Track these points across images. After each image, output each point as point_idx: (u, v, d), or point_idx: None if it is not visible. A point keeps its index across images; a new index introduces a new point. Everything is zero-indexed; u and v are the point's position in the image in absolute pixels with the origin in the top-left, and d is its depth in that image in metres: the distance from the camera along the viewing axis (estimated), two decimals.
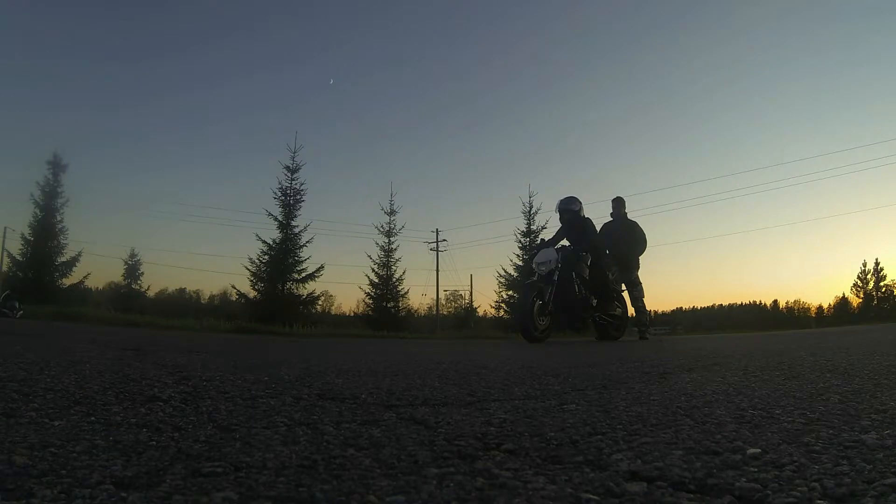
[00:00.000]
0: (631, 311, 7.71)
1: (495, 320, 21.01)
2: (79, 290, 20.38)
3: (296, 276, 16.23)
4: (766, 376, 1.79)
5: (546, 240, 7.00)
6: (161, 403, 1.16)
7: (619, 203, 8.12)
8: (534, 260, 6.58)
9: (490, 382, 1.70)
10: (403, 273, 19.37)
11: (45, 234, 19.37)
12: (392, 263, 19.05)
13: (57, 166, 20.06)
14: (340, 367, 2.04)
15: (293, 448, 0.83)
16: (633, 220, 8.03)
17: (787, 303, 77.36)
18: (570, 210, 6.82)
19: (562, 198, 6.96)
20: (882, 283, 38.56)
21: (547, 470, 0.73)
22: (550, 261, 6.27)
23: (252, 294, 15.97)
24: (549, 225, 21.80)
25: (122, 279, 25.56)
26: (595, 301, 6.58)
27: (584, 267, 6.54)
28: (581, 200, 6.96)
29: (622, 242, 7.67)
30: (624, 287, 7.59)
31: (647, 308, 8.01)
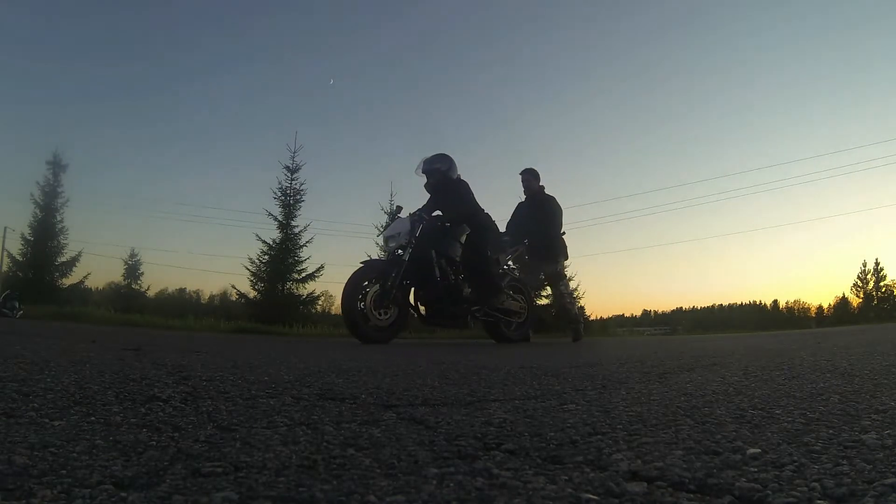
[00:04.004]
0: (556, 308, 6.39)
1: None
2: (79, 290, 20.38)
3: (296, 276, 16.21)
4: (766, 376, 1.79)
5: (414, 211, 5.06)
6: (161, 403, 1.16)
7: (530, 175, 6.35)
8: (383, 233, 5.02)
9: (490, 382, 1.69)
10: None
11: (45, 234, 19.36)
12: None
13: (57, 166, 20.06)
14: (340, 367, 2.04)
15: (293, 448, 0.83)
16: (549, 194, 6.31)
17: (787, 303, 77.40)
18: (436, 171, 5.10)
19: (426, 157, 5.23)
20: (882, 283, 38.58)
21: (547, 470, 0.73)
22: (401, 234, 4.71)
23: (252, 294, 15.95)
24: None
25: (122, 279, 25.52)
26: (469, 290, 5.01)
27: (455, 245, 5.01)
28: (454, 159, 5.23)
29: (534, 222, 6.09)
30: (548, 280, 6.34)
31: (577, 304, 6.68)
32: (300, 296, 16.29)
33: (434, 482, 0.67)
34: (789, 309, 74.87)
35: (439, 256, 4.87)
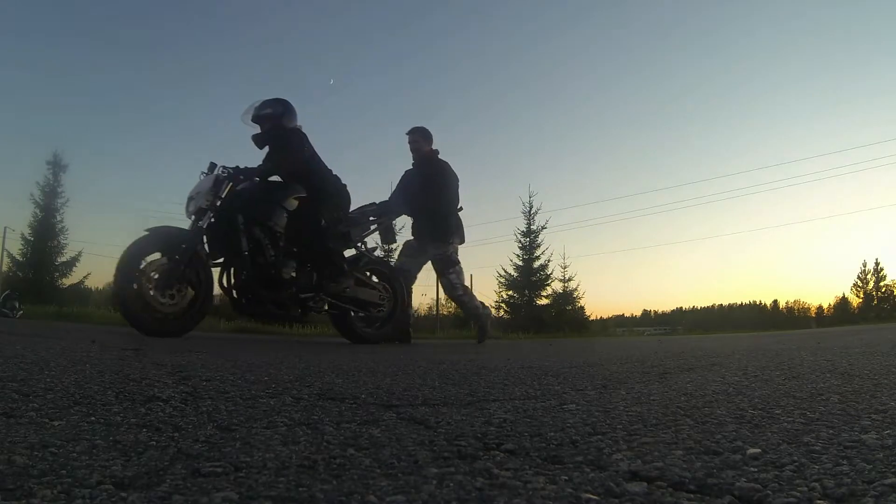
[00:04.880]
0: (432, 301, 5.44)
1: (495, 320, 21.01)
2: (79, 290, 20.40)
3: None
4: (766, 376, 1.79)
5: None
6: (161, 403, 1.16)
7: (419, 135, 5.01)
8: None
9: (490, 382, 1.70)
10: None
11: (45, 234, 19.39)
12: (393, 264, 19.00)
13: (57, 166, 20.10)
14: (340, 367, 2.04)
15: (293, 448, 0.83)
16: (443, 160, 5.03)
17: (787, 303, 77.40)
18: (266, 118, 4.08)
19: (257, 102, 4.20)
20: (882, 283, 38.54)
21: (547, 470, 0.73)
22: (200, 193, 3.73)
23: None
24: (550, 225, 21.79)
25: None
26: (294, 271, 3.95)
27: (277, 211, 3.90)
28: (294, 106, 4.21)
29: (422, 194, 4.85)
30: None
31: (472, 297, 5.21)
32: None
33: (434, 482, 0.67)
34: (789, 309, 74.88)
35: (252, 225, 3.77)
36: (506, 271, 19.61)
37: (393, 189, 5.19)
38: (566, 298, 19.43)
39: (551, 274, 19.41)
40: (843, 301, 45.64)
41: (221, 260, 3.90)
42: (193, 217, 3.73)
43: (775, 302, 79.60)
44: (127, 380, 1.46)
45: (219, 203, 3.75)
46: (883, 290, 38.58)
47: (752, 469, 0.73)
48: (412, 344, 4.83)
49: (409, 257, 4.99)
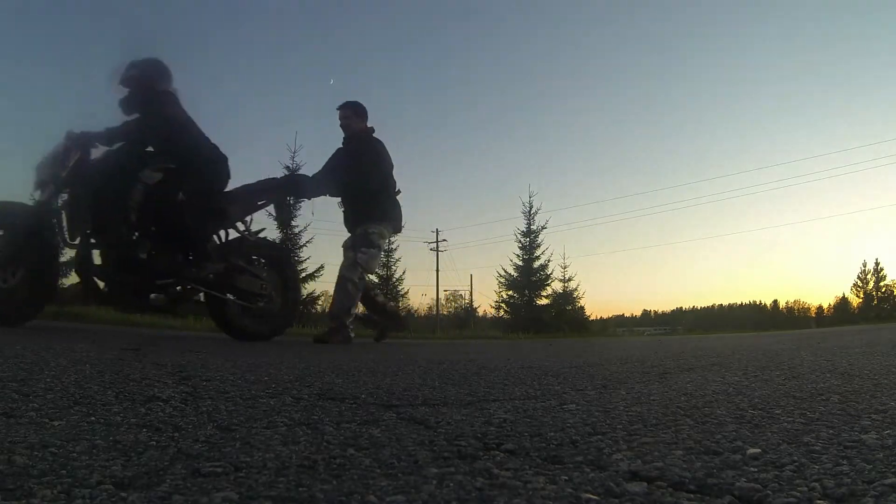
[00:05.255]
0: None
1: (495, 320, 21.03)
2: (78, 290, 20.37)
3: None
4: (766, 376, 1.79)
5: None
6: (161, 403, 1.16)
7: (350, 111, 4.49)
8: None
9: (490, 382, 1.70)
10: (403, 273, 19.41)
11: None
12: (392, 263, 19.09)
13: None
14: (340, 367, 2.04)
15: (293, 448, 0.83)
16: (377, 138, 4.51)
17: (787, 303, 77.42)
18: (131, 78, 3.57)
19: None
20: (882, 283, 38.56)
21: (547, 470, 0.73)
22: (44, 164, 3.38)
23: None
24: (550, 225, 21.80)
25: None
26: (151, 250, 3.50)
27: (133, 184, 3.41)
28: (167, 67, 3.71)
29: (352, 174, 4.31)
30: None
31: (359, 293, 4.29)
32: (300, 296, 16.31)
33: (434, 482, 0.67)
34: (789, 309, 74.91)
35: (103, 200, 3.34)
36: (506, 271, 19.66)
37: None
38: (566, 298, 19.45)
39: (551, 274, 19.46)
40: (843, 301, 45.67)
41: (77, 241, 3.44)
42: (39, 192, 3.33)
43: (775, 302, 79.67)
44: (127, 380, 1.46)
45: (64, 175, 3.32)
46: (883, 290, 38.59)
47: (752, 469, 0.73)
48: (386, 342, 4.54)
49: (352, 248, 4.30)
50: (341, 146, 4.55)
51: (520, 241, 19.59)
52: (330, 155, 4.59)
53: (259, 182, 4.11)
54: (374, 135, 4.55)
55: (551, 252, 19.49)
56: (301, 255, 16.40)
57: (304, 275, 16.36)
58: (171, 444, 0.83)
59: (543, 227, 19.56)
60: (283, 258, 4.30)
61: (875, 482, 0.66)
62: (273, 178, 4.27)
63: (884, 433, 0.92)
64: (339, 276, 4.23)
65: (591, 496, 0.63)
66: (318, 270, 16.51)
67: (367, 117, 4.57)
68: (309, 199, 4.78)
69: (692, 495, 0.64)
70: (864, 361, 2.16)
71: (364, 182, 4.28)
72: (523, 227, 19.57)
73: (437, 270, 30.35)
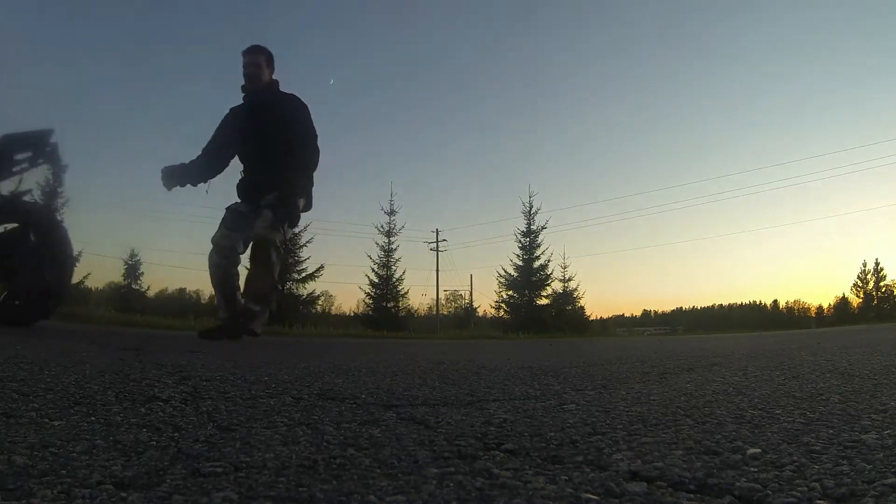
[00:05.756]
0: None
1: (495, 320, 21.03)
2: (79, 290, 20.38)
3: (296, 276, 16.25)
4: (766, 376, 1.79)
5: None
6: (161, 403, 1.16)
7: (260, 56, 3.66)
8: None
9: (490, 382, 1.70)
10: (403, 273, 19.41)
11: None
12: (392, 263, 19.10)
13: (57, 166, 20.04)
14: (340, 367, 2.04)
15: (293, 448, 0.83)
16: (291, 94, 3.71)
17: (787, 303, 77.37)
18: None
19: None
20: (882, 283, 38.53)
21: (547, 470, 0.73)
22: None
23: None
24: (550, 225, 21.81)
25: (122, 279, 25.54)
26: None
27: None
28: None
29: (256, 140, 3.59)
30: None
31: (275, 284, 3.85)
32: (300, 296, 16.33)
33: (434, 482, 0.67)
34: (789, 309, 74.89)
35: None
36: (506, 271, 19.67)
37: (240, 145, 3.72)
38: (566, 298, 19.48)
39: (551, 274, 19.48)
40: (843, 301, 45.61)
41: None
42: None
43: (775, 302, 79.64)
44: (127, 380, 1.46)
45: None
46: (883, 290, 38.57)
47: (752, 469, 0.73)
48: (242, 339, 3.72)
49: (233, 230, 3.57)
50: (239, 105, 3.73)
51: (520, 241, 19.62)
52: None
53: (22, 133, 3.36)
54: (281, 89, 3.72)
55: (551, 252, 19.53)
56: (301, 255, 16.44)
57: (304, 275, 16.40)
58: (172, 444, 0.83)
59: (543, 227, 19.59)
60: (42, 225, 3.41)
61: (875, 482, 0.66)
62: (46, 131, 3.47)
63: (884, 433, 0.92)
64: (212, 274, 3.65)
65: (591, 496, 0.63)
66: (317, 270, 16.54)
67: (272, 63, 3.74)
68: (195, 185, 3.89)
69: (692, 495, 0.64)
70: (864, 361, 2.16)
71: (277, 155, 3.51)
72: (523, 227, 19.61)
73: (437, 270, 30.36)
